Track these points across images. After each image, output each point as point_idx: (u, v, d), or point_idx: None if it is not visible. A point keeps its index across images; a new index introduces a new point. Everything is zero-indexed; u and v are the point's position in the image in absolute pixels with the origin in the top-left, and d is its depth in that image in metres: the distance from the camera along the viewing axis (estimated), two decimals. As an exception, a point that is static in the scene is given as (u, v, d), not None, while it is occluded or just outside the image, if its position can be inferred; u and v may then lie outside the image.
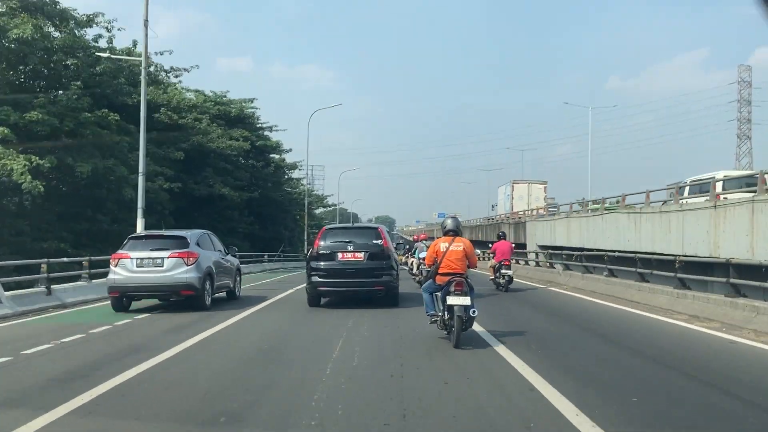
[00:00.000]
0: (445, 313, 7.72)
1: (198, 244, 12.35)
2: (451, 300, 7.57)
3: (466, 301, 7.54)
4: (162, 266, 11.65)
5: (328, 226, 14.12)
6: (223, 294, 13.88)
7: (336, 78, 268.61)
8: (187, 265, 11.69)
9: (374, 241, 12.02)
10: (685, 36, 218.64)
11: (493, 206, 67.42)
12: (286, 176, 50.01)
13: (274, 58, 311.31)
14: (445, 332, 7.87)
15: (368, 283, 11.77)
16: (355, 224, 15.31)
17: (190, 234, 12.50)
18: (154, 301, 12.78)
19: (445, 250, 7.94)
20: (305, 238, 44.96)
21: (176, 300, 12.21)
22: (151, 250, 11.85)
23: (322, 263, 11.88)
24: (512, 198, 51.05)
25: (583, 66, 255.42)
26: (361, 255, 11.81)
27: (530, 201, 48.38)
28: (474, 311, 7.63)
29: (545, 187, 50.34)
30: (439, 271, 7.90)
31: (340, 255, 11.85)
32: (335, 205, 68.47)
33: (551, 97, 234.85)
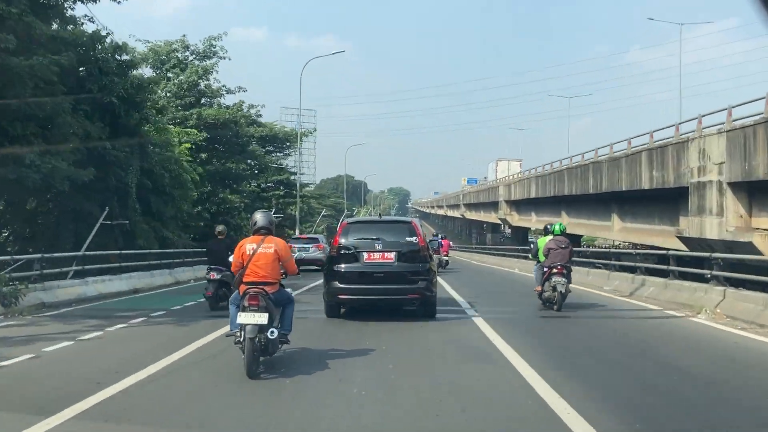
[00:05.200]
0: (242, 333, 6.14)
1: (321, 241, 26.16)
2: (242, 318, 6.05)
3: (261, 319, 5.99)
4: (309, 251, 25.33)
5: (350, 220, 12.60)
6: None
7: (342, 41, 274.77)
8: (320, 251, 25.35)
9: (408, 238, 10.31)
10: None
11: (485, 177, 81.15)
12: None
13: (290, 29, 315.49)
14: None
15: (401, 290, 10.18)
16: (384, 217, 13.92)
17: (319, 236, 26.59)
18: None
19: (251, 252, 6.39)
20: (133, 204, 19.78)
21: (315, 268, 25.79)
22: (303, 243, 25.54)
23: (343, 265, 10.20)
24: (497, 172, 65.51)
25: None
26: (391, 255, 10.13)
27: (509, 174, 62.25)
28: (273, 332, 6.04)
29: (520, 164, 64.21)
30: (244, 279, 6.38)
31: (365, 255, 10.17)
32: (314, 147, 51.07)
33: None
